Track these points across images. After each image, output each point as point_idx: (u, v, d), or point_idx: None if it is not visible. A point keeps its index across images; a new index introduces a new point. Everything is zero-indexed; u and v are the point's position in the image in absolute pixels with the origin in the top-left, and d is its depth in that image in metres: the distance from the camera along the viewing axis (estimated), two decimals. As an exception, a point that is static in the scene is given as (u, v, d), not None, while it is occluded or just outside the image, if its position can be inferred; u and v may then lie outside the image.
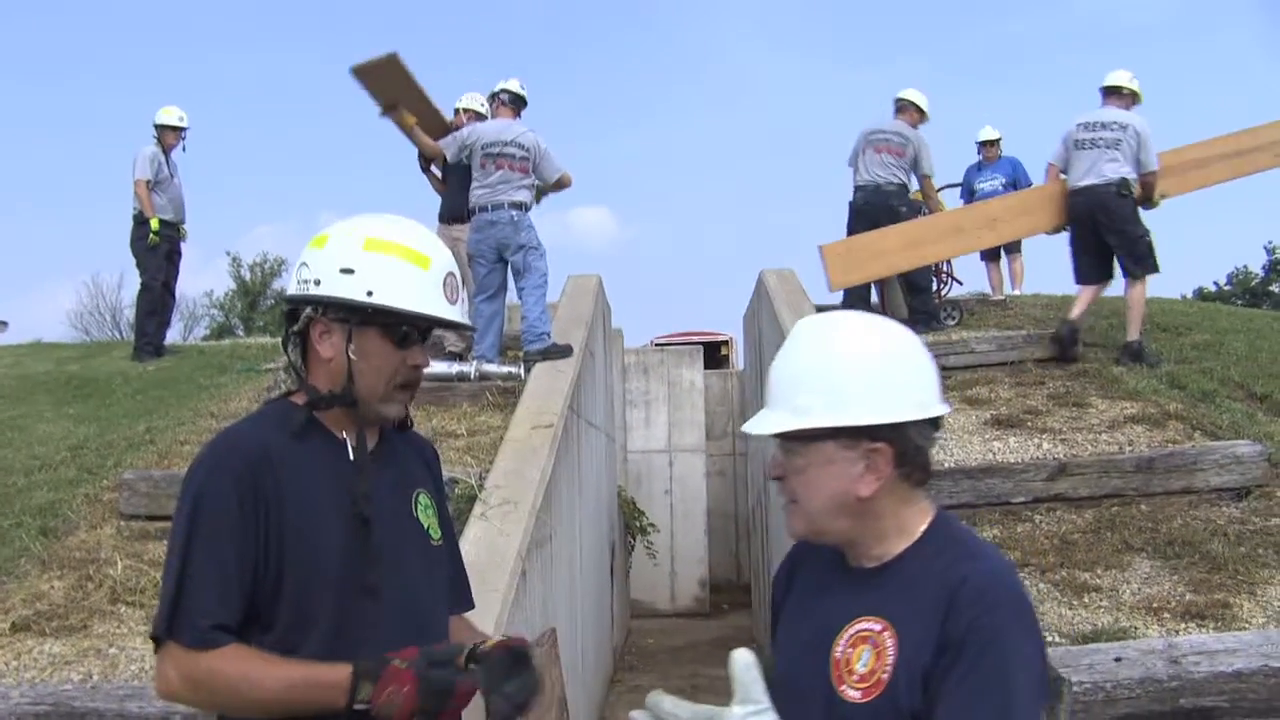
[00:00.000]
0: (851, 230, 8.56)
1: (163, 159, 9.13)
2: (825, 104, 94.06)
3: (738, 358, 16.37)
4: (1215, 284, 38.84)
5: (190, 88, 74.68)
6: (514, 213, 7.65)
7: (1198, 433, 5.93)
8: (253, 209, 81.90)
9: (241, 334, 40.40)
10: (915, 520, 1.78)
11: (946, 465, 5.62)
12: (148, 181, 8.92)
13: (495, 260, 7.67)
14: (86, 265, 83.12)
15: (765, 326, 9.47)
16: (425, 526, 2.19)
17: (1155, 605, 4.35)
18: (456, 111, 8.53)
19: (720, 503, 14.14)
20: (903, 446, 1.73)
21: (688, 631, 11.48)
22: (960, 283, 9.37)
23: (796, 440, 1.75)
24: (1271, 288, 38.09)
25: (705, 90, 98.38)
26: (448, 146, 7.95)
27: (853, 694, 1.68)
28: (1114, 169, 7.48)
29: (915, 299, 8.40)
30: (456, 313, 2.11)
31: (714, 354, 16.64)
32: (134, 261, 9.18)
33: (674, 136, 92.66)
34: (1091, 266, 7.74)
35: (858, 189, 8.60)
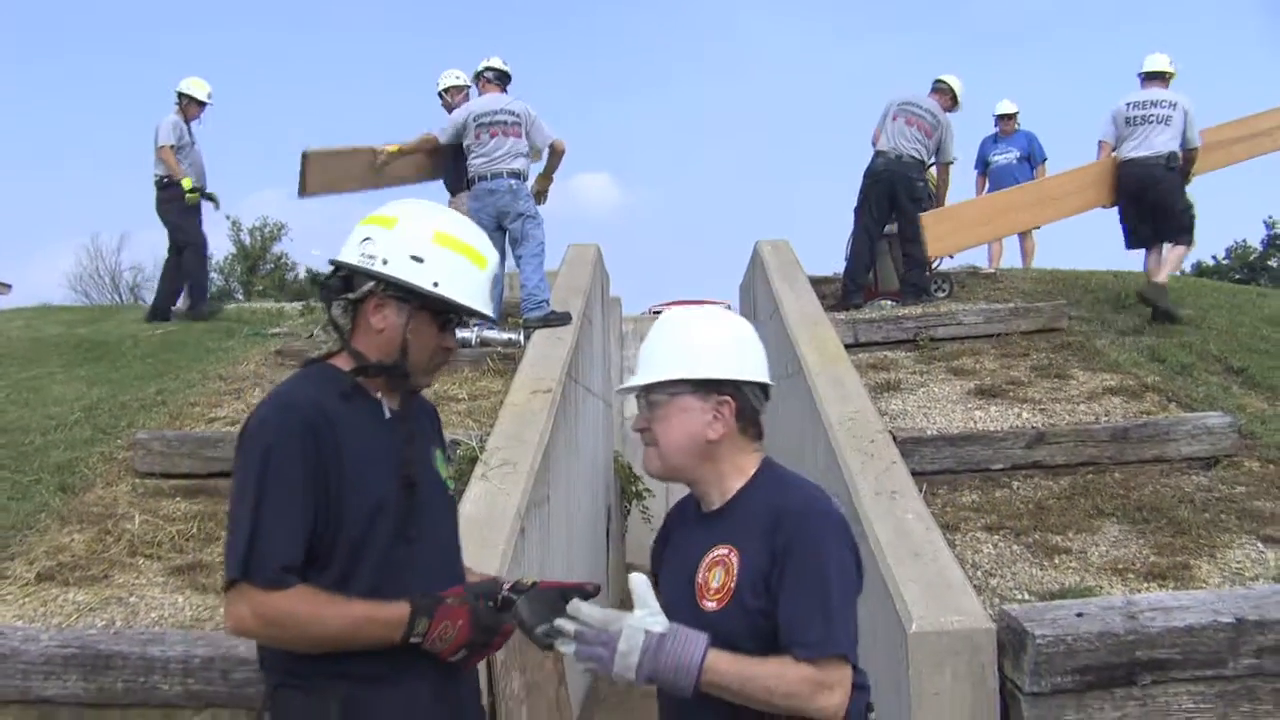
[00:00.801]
0: (866, 194, 8.69)
1: (185, 127, 9.33)
2: (828, 76, 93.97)
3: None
4: (1214, 258, 38.84)
5: (190, 52, 74.52)
6: (512, 181, 7.93)
7: (1173, 404, 6.15)
8: (253, 173, 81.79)
9: (241, 298, 40.52)
10: (749, 464, 2.28)
11: (929, 433, 5.84)
12: (172, 147, 9.12)
13: (494, 229, 7.89)
14: (84, 227, 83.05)
15: (760, 296, 9.63)
16: (444, 478, 2.42)
17: (1121, 567, 4.59)
18: (441, 94, 8.83)
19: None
20: (742, 403, 2.24)
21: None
22: (951, 256, 9.53)
23: (660, 393, 2.23)
24: (1270, 262, 38.19)
25: (710, 59, 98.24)
26: (444, 132, 8.19)
27: (710, 605, 2.15)
28: (1164, 142, 7.92)
29: (910, 273, 8.58)
30: (493, 308, 2.36)
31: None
32: (164, 226, 9.40)
33: (677, 104, 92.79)
34: (1145, 234, 8.20)
35: (879, 154, 8.69)
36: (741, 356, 2.27)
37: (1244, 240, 38.70)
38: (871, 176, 8.62)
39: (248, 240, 45.31)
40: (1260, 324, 8.26)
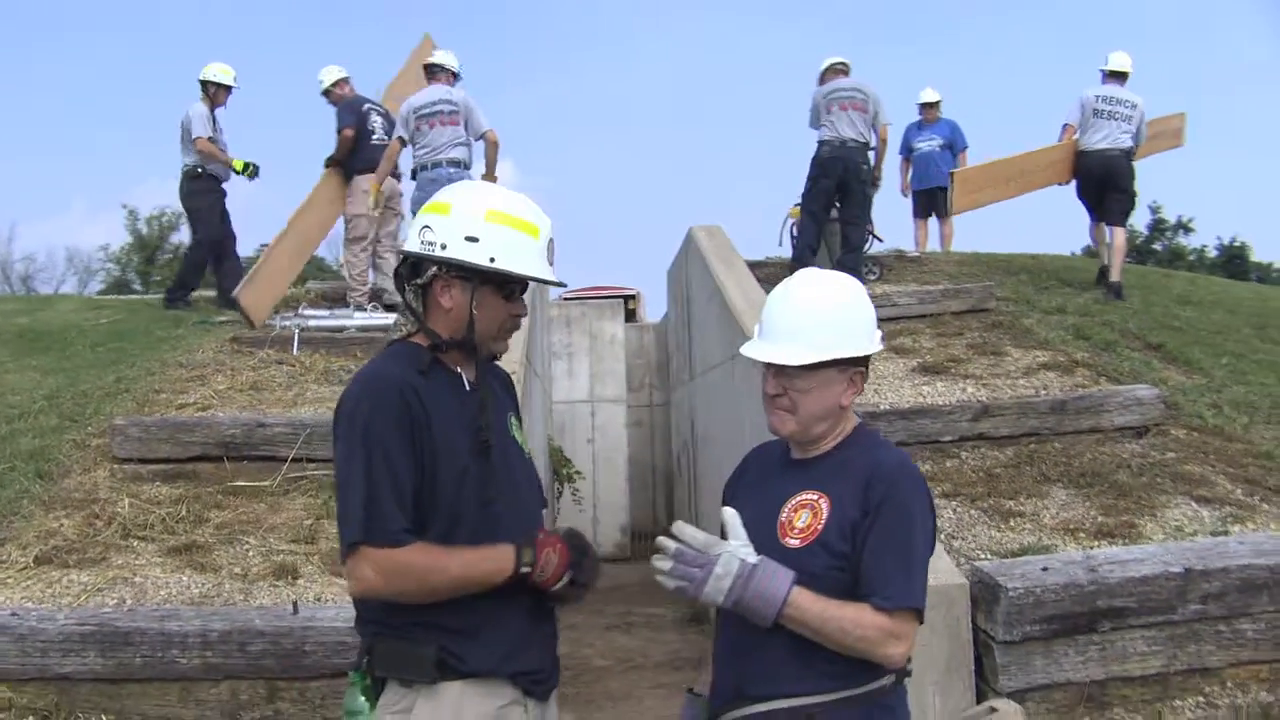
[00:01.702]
0: (815, 182, 9.02)
1: (213, 115, 9.29)
2: (733, 64, 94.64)
3: (645, 312, 16.82)
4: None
5: (76, 29, 72.27)
6: (452, 170, 8.28)
7: (1102, 378, 6.59)
8: (143, 160, 79.85)
9: (139, 289, 39.55)
10: (849, 423, 2.45)
11: (882, 408, 6.17)
12: (209, 138, 9.09)
13: None
14: (-37, 218, 79.89)
15: (695, 279, 9.87)
16: (520, 442, 2.63)
17: (1072, 527, 4.97)
18: (326, 93, 9.40)
19: (638, 452, 14.61)
20: (868, 367, 2.44)
21: (613, 575, 11.87)
22: (881, 240, 9.93)
23: (806, 366, 2.34)
24: (1154, 246, 39.84)
25: (615, 47, 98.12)
26: (399, 133, 8.61)
27: (793, 542, 2.30)
28: (1125, 139, 9.09)
29: (846, 256, 8.91)
30: (554, 273, 2.53)
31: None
32: (188, 216, 9.44)
33: (580, 91, 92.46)
34: (1100, 211, 9.37)
35: (824, 143, 8.96)
36: (870, 325, 2.42)
37: (1131, 225, 40.16)
38: (820, 165, 8.91)
39: (144, 230, 44.29)
40: (1170, 304, 8.84)
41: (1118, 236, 9.22)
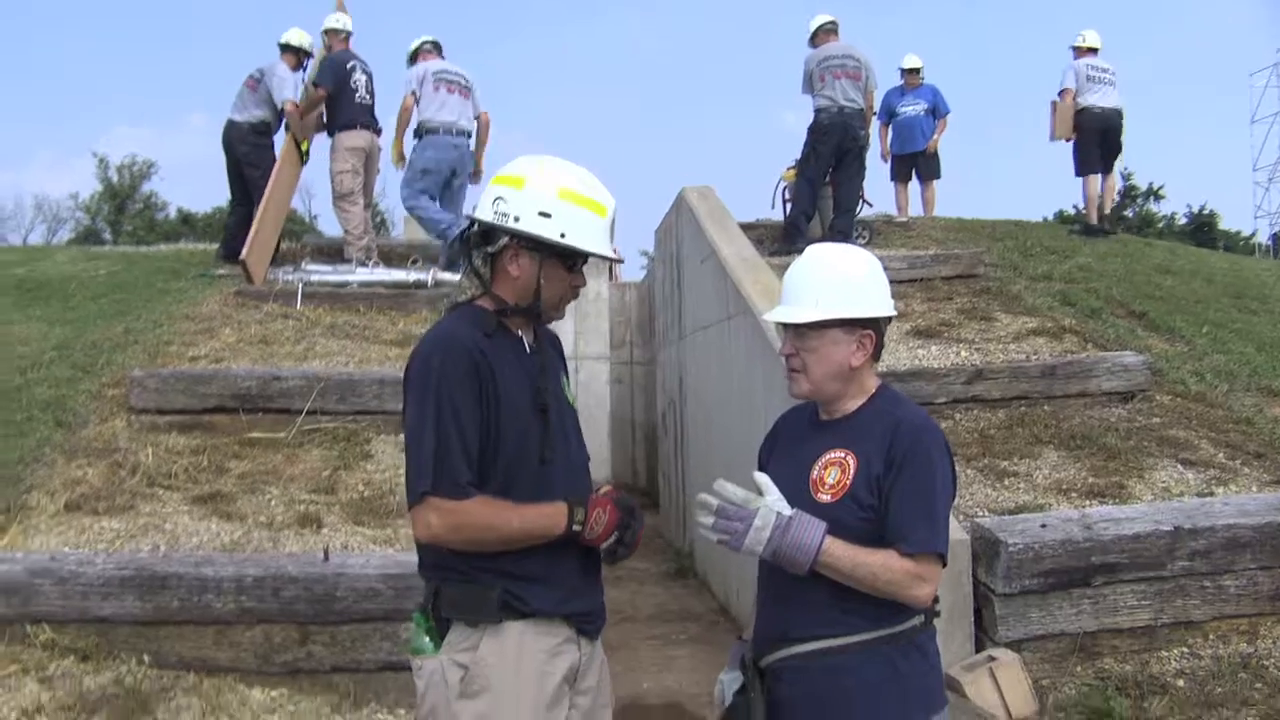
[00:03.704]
0: (814, 149, 9.14)
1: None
2: (708, 26, 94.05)
3: (621, 271, 16.94)
4: (1075, 206, 40.64)
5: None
6: (460, 139, 8.49)
7: (1090, 345, 6.82)
8: (113, 108, 78.69)
9: (109, 238, 39.21)
10: (871, 384, 2.60)
11: (879, 370, 6.34)
12: (294, 104, 9.04)
13: (446, 182, 8.37)
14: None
15: (687, 240, 9.97)
16: (571, 402, 2.79)
17: (1064, 487, 5.20)
18: (325, 33, 9.38)
19: (619, 408, 14.77)
20: (878, 334, 2.57)
21: (596, 528, 12.14)
22: (870, 205, 10.07)
23: (812, 327, 2.52)
24: (1125, 213, 40.22)
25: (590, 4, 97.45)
26: (412, 89, 8.79)
27: (824, 497, 2.47)
28: (1117, 99, 10.84)
29: (839, 219, 9.08)
30: (614, 249, 2.68)
31: (598, 268, 17.19)
32: (242, 167, 9.18)
33: (552, 47, 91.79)
34: (1093, 164, 10.87)
35: (822, 110, 9.10)
36: (881, 294, 2.58)
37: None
38: (819, 131, 9.05)
39: (115, 179, 43.84)
40: (1152, 272, 9.08)
41: (1112, 179, 11.32)
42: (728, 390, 7.49)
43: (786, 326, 2.59)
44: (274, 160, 9.14)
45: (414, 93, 8.66)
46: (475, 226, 2.65)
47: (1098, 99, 10.67)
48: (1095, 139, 10.78)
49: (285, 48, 9.28)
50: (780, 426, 2.84)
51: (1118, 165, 11.74)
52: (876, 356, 2.60)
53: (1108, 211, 11.11)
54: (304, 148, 9.24)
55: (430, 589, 2.60)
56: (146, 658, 4.21)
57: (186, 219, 40.43)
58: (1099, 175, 10.98)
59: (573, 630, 2.62)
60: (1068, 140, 10.94)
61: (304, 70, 9.33)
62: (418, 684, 2.58)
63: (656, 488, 11.92)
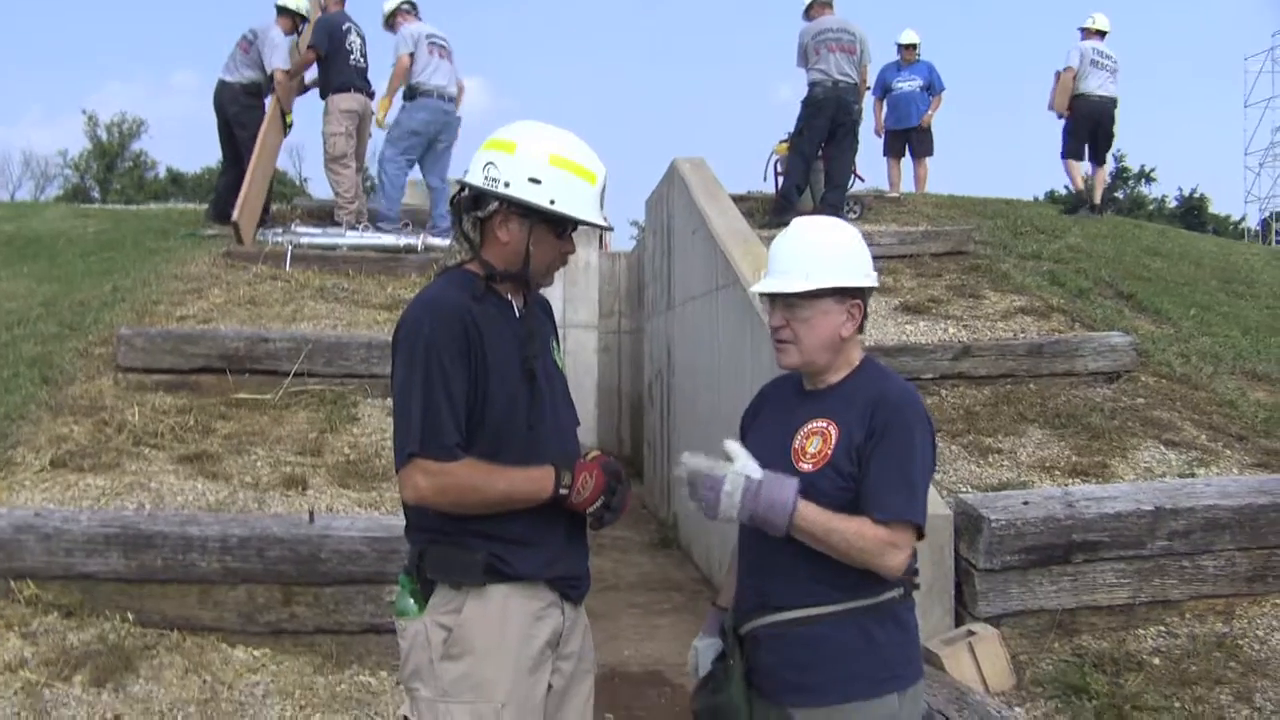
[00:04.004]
0: (808, 123, 9.11)
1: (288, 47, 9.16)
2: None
3: (611, 240, 16.90)
4: (1066, 187, 40.73)
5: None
6: (448, 104, 8.55)
7: (1077, 324, 6.85)
8: (102, 64, 78.02)
9: (97, 196, 38.97)
10: (856, 356, 2.61)
11: (866, 344, 6.36)
12: (286, 72, 8.93)
13: (429, 142, 8.40)
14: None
15: (678, 211, 9.96)
16: (560, 366, 2.80)
17: (1048, 465, 5.23)
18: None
19: (606, 378, 14.77)
20: (865, 303, 2.59)
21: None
22: (862, 179, 10.07)
23: (804, 297, 2.52)
24: (1116, 194, 40.29)
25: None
26: (403, 48, 8.69)
27: (806, 466, 2.48)
28: (1114, 88, 10.96)
29: (830, 193, 9.08)
30: (603, 218, 2.68)
31: (587, 237, 17.16)
32: (232, 128, 9.05)
33: (540, 16, 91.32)
34: (1081, 149, 11.15)
35: (816, 84, 9.06)
36: (867, 264, 2.59)
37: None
38: (813, 105, 9.03)
39: (104, 136, 43.53)
40: (1141, 254, 9.10)
41: (1102, 172, 11.46)
42: (715, 361, 7.50)
43: (775, 298, 2.59)
44: (254, 123, 9.03)
45: (410, 54, 8.59)
46: (466, 190, 2.64)
47: (1096, 86, 10.84)
48: (1087, 125, 10.99)
49: (282, 10, 9.17)
50: (763, 396, 2.85)
51: (1109, 154, 11.94)
52: (861, 328, 2.61)
53: (1098, 201, 11.25)
54: (288, 119, 9.19)
55: (415, 551, 2.60)
56: (130, 615, 4.22)
57: (176, 179, 40.26)
58: (1083, 161, 11.26)
59: (556, 595, 2.64)
60: (1060, 117, 11.12)
61: (298, 34, 9.23)
62: (401, 645, 2.60)
63: (641, 457, 11.96)
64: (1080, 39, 10.98)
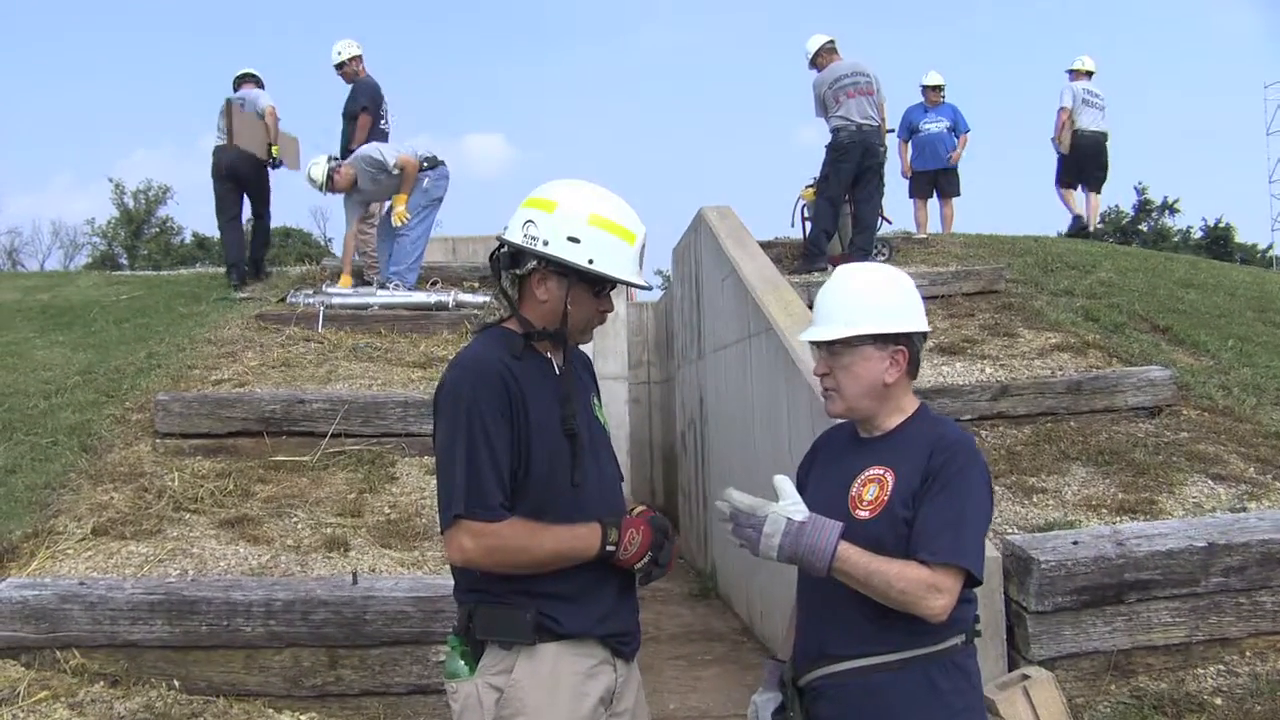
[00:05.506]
0: (835, 168, 9.07)
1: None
2: (728, 45, 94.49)
3: (635, 291, 16.91)
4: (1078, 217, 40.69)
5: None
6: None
7: (1114, 360, 6.78)
8: (129, 134, 79.31)
9: (125, 263, 39.51)
10: (909, 403, 2.60)
11: (905, 387, 6.33)
12: (273, 110, 9.52)
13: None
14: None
15: (706, 259, 9.99)
16: (603, 422, 2.78)
17: (1094, 503, 5.15)
18: (344, 64, 9.60)
19: (637, 429, 14.74)
20: (911, 350, 2.56)
21: (617, 550, 12.13)
22: (890, 221, 10.05)
23: (844, 344, 2.52)
24: (1140, 226, 40.19)
25: (615, 23, 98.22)
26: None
27: (863, 514, 2.46)
28: (1104, 124, 12.12)
29: (859, 236, 9.05)
30: (642, 277, 2.67)
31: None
32: (258, 191, 9.61)
33: (579, 68, 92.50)
34: (1073, 179, 12.35)
35: (840, 129, 9.02)
36: (912, 309, 2.57)
37: (1116, 206, 40.51)
38: (839, 150, 9.00)
39: (131, 204, 44.23)
40: (1174, 286, 9.02)
41: (1096, 199, 12.62)
42: (750, 409, 7.47)
43: (819, 345, 2.58)
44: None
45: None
46: (505, 248, 2.65)
47: (1088, 123, 11.98)
48: (1080, 159, 12.12)
49: (246, 77, 9.74)
50: (820, 445, 2.83)
51: (1105, 184, 12.74)
52: (913, 374, 2.58)
53: (1092, 229, 12.57)
54: (274, 152, 9.42)
55: (464, 612, 2.59)
56: (176, 682, 4.22)
57: (202, 243, 40.80)
58: (1077, 189, 12.43)
59: (608, 651, 2.61)
60: (1064, 152, 12.12)
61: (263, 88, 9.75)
62: (453, 707, 2.57)
63: (675, 507, 11.92)
64: (1069, 79, 12.13)
